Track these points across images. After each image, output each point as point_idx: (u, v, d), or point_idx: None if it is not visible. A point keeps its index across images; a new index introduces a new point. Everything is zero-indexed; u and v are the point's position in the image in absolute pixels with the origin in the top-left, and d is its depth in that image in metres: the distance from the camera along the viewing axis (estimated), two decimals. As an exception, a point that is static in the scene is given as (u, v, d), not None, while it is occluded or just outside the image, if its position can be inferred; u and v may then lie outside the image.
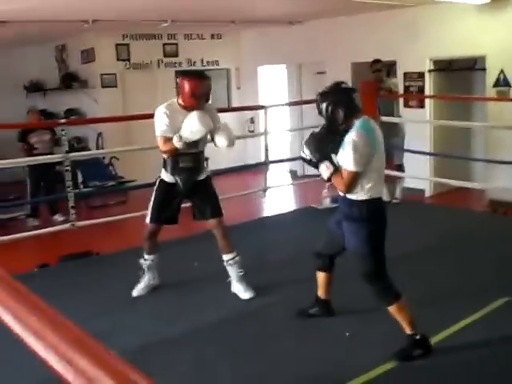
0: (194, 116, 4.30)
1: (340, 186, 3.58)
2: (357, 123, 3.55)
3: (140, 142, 9.35)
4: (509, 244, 5.68)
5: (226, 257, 4.64)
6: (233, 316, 4.35)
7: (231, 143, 4.57)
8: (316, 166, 3.69)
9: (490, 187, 7.85)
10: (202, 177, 4.66)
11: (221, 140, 4.54)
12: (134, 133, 9.38)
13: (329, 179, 3.62)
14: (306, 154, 3.71)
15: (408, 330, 3.60)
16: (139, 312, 4.52)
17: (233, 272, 4.66)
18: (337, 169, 3.56)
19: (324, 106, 3.60)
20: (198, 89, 4.40)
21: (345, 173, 3.52)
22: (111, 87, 10.24)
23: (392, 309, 3.60)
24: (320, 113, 3.66)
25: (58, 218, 7.99)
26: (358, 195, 3.57)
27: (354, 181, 3.51)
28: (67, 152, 5.95)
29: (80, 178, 9.49)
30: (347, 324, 4.09)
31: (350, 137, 3.49)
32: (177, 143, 4.30)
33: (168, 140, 4.35)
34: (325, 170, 3.61)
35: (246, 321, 4.30)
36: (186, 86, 4.38)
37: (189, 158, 4.51)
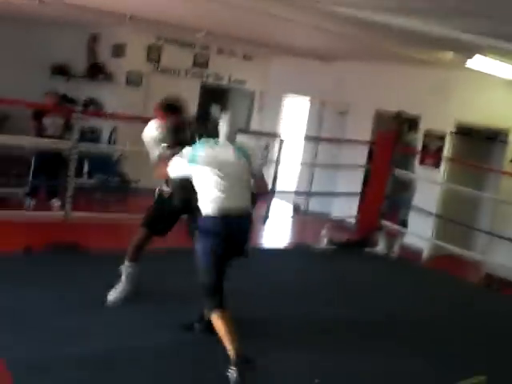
0: None
1: None
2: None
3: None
4: (498, 322, 5.60)
5: None
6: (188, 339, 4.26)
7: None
8: None
9: (488, 261, 7.76)
10: None
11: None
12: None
13: None
14: None
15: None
16: (105, 318, 4.43)
17: None
18: None
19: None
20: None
21: None
22: (135, 85, 10.23)
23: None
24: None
25: (55, 202, 7.91)
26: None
27: None
28: (77, 141, 5.90)
29: (86, 168, 9.45)
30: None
31: None
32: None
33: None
34: None
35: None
36: None
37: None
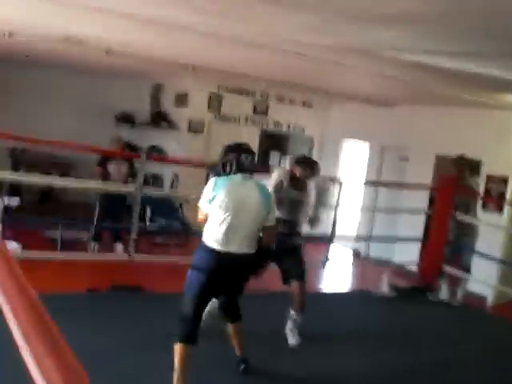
0: None
1: None
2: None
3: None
4: None
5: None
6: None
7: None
8: None
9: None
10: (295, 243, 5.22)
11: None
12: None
13: None
14: None
15: None
16: (163, 358, 4.45)
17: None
18: None
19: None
20: None
21: None
22: (197, 133, 10.48)
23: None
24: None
25: (118, 246, 8.10)
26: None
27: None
28: (141, 186, 6.07)
29: (148, 214, 9.66)
30: None
31: None
32: None
33: None
34: None
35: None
36: None
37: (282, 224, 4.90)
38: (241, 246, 3.87)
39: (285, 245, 5.04)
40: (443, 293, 7.49)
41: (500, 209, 8.54)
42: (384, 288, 7.49)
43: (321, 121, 11.88)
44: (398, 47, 5.08)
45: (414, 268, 8.86)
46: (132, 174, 8.01)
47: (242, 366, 4.32)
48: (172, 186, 10.26)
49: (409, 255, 8.92)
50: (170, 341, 4.01)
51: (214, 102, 10.62)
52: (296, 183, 5.27)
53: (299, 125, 11.65)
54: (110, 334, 4.78)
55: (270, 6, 4.20)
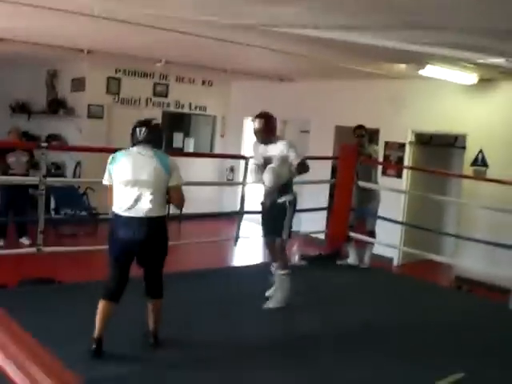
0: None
1: None
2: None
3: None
4: (469, 321, 5.74)
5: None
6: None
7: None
8: None
9: (457, 263, 7.95)
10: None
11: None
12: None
13: None
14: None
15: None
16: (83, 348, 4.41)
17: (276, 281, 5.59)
18: None
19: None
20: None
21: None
22: (97, 118, 10.28)
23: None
24: None
25: (25, 241, 7.90)
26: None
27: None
28: (44, 176, 5.90)
29: (53, 205, 9.43)
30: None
31: None
32: None
33: None
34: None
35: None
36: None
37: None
38: (141, 211, 4.11)
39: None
40: (351, 258, 7.78)
41: (399, 174, 8.93)
42: (294, 258, 7.70)
43: (222, 99, 11.93)
44: (295, 24, 5.19)
45: (322, 236, 9.15)
46: (33, 165, 7.80)
47: (152, 340, 4.39)
48: (75, 174, 10.03)
49: (316, 225, 9.19)
50: (91, 328, 4.01)
51: (113, 86, 10.44)
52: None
53: (201, 104, 11.65)
54: (29, 325, 4.67)
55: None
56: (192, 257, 7.99)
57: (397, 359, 4.64)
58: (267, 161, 5.42)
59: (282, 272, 5.54)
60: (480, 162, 8.02)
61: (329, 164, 9.61)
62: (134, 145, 4.24)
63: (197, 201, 7.84)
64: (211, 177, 11.67)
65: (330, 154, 9.51)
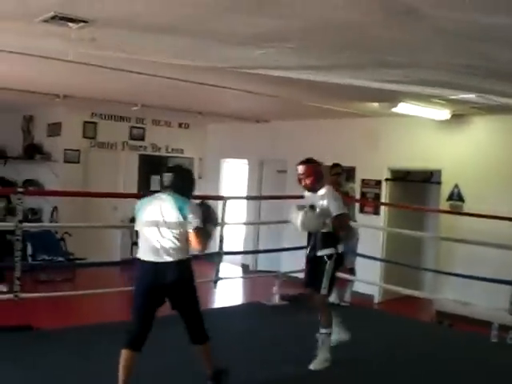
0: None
1: None
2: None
3: (95, 219, 9.31)
4: (451, 358, 5.73)
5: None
6: None
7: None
8: None
9: (437, 298, 7.97)
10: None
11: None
12: (90, 210, 9.36)
13: None
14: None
15: None
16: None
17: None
18: None
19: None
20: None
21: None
22: (74, 163, 10.25)
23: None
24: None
25: (2, 288, 7.75)
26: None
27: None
28: (20, 222, 5.83)
29: (30, 251, 9.31)
30: None
31: None
32: None
33: None
34: None
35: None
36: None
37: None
38: (158, 255, 4.10)
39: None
40: (332, 296, 7.74)
41: (377, 211, 8.99)
42: (275, 298, 7.68)
43: (199, 141, 11.99)
44: (267, 65, 5.27)
45: (302, 275, 9.11)
46: (10, 211, 7.72)
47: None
48: (52, 218, 9.94)
49: (295, 264, 9.15)
50: (73, 375, 3.94)
51: (89, 130, 10.45)
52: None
53: (178, 147, 11.69)
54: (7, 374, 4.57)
55: (143, 33, 4.26)
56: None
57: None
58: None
59: (324, 331, 5.19)
60: (456, 196, 8.11)
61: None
62: (159, 191, 4.31)
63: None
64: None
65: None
